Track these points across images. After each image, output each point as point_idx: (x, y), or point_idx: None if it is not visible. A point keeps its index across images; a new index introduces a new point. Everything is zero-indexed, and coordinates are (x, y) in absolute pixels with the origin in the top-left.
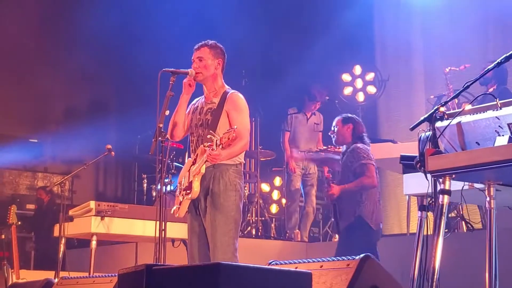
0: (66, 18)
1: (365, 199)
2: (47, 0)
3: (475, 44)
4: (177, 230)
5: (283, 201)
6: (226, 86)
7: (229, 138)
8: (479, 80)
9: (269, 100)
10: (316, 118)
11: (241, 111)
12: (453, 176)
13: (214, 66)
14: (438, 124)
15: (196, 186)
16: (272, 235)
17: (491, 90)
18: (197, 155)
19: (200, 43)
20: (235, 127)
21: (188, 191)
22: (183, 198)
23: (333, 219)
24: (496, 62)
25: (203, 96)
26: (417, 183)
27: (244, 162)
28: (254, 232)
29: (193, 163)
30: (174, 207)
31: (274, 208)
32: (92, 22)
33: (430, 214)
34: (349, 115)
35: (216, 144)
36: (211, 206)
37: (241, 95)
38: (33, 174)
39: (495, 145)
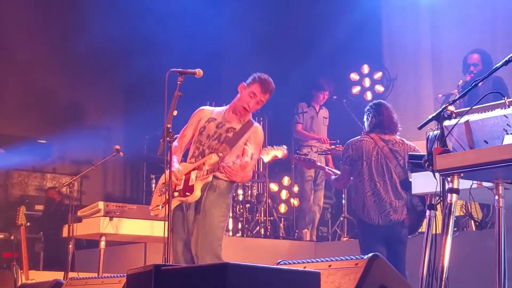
0: (74, 19)
1: (355, 194)
2: (56, 1)
3: (484, 42)
4: None
5: (292, 200)
6: (250, 116)
7: (231, 170)
8: (463, 71)
9: (277, 101)
10: (324, 112)
11: (257, 145)
12: (462, 175)
13: None
14: (446, 123)
15: (198, 191)
16: (281, 235)
17: (481, 84)
18: (205, 161)
19: (270, 88)
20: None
21: (187, 193)
22: (172, 197)
23: None
24: (504, 60)
25: (222, 109)
26: (425, 182)
27: None
28: (262, 232)
29: (196, 169)
30: (159, 206)
31: (282, 208)
32: (100, 22)
33: (438, 213)
34: (381, 101)
35: (234, 163)
36: (203, 212)
37: (261, 129)
38: (41, 175)
39: (504, 143)
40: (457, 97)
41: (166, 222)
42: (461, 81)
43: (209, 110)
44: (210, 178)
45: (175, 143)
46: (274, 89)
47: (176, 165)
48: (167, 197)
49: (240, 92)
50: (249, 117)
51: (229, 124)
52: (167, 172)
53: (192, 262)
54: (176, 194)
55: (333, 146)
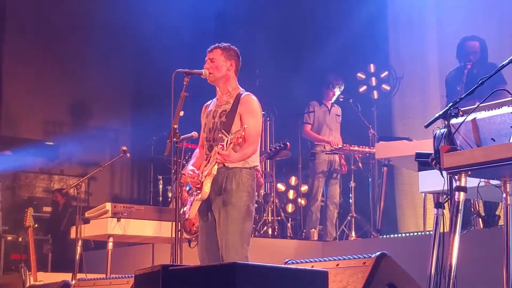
0: (82, 21)
1: None
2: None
3: (490, 41)
4: None
5: (299, 200)
6: (240, 88)
7: (239, 137)
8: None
9: (283, 100)
10: (336, 109)
11: (254, 114)
12: (469, 172)
13: (226, 67)
14: (453, 120)
15: (207, 187)
16: (288, 235)
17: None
18: (210, 156)
19: (213, 45)
20: (245, 126)
21: (198, 191)
22: (193, 198)
23: None
24: (511, 58)
25: (215, 98)
26: (432, 181)
27: (259, 165)
28: (270, 232)
29: (206, 165)
30: (185, 208)
31: (290, 208)
32: (105, 23)
33: (446, 211)
34: None
35: (227, 143)
36: (223, 206)
37: (254, 98)
38: (49, 176)
39: (511, 141)
40: (464, 95)
41: (174, 223)
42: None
43: (208, 104)
44: (214, 171)
45: (196, 150)
46: (220, 45)
47: (189, 166)
48: (192, 200)
49: None
50: (237, 90)
51: (221, 109)
52: (182, 173)
53: (218, 259)
54: (195, 194)
55: (345, 144)
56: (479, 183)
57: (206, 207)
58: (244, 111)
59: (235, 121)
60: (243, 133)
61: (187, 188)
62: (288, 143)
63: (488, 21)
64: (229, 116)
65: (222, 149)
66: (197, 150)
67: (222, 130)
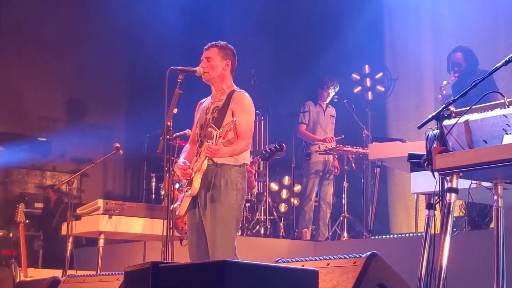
0: (76, 18)
1: None
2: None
3: (485, 43)
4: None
5: (292, 200)
6: (235, 86)
7: (228, 130)
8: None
9: (278, 100)
10: (331, 110)
11: (246, 110)
12: (461, 174)
13: (222, 67)
14: (446, 122)
15: (197, 183)
16: (281, 234)
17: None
18: (200, 152)
19: (210, 43)
20: (234, 119)
21: (188, 187)
22: (184, 195)
23: None
24: (504, 61)
25: (210, 96)
26: (425, 182)
27: (248, 163)
28: (262, 231)
29: (196, 161)
30: (175, 204)
31: (283, 207)
32: (101, 20)
33: (438, 212)
34: None
35: (216, 137)
36: (211, 204)
37: (247, 94)
38: (41, 172)
39: (503, 143)
40: (456, 97)
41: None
42: (444, 82)
43: (202, 101)
44: (204, 167)
45: (186, 145)
46: (217, 44)
47: (180, 159)
48: (182, 196)
49: None
50: (231, 88)
51: (213, 105)
52: (172, 170)
53: (207, 256)
54: (185, 190)
55: (339, 145)
56: (470, 185)
57: (194, 204)
58: (236, 107)
59: (226, 117)
60: (232, 126)
61: (177, 186)
62: (284, 144)
63: (484, 22)
64: (221, 112)
65: (212, 143)
66: (187, 146)
67: (212, 125)
